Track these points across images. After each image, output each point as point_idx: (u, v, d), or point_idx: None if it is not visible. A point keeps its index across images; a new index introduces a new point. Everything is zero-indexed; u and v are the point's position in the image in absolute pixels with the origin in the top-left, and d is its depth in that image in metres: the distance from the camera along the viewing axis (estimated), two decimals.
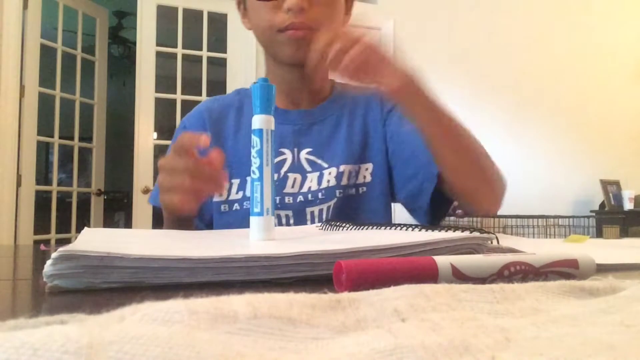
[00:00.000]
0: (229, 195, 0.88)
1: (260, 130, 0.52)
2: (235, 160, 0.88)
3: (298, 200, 0.87)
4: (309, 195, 0.87)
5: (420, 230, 0.49)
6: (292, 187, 0.87)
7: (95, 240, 0.46)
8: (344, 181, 0.88)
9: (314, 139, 0.90)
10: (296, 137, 0.90)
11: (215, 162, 0.62)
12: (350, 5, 0.91)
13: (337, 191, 0.87)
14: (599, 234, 3.52)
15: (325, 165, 0.89)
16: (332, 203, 0.87)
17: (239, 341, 0.18)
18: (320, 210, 0.87)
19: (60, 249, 0.33)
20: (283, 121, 0.89)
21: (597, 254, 0.41)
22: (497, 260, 0.34)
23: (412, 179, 0.85)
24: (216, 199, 0.88)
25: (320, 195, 0.87)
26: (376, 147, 0.91)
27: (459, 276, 0.33)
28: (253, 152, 0.52)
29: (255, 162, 0.52)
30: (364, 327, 0.21)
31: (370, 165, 0.90)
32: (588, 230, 3.56)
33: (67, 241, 3.46)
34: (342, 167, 0.88)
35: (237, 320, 0.20)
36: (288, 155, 0.89)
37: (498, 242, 0.49)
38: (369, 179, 0.90)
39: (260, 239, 0.50)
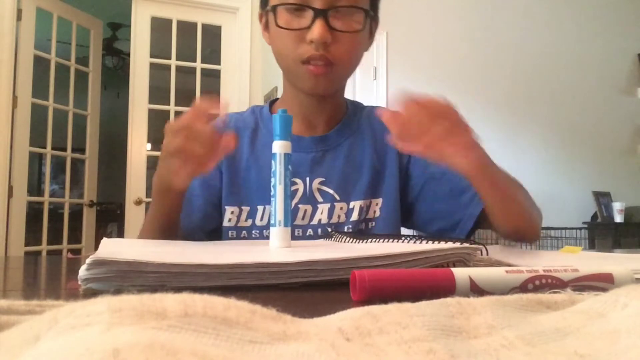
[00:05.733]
0: (237, 221, 0.86)
1: (275, 155, 0.61)
2: (246, 187, 0.87)
3: (307, 233, 0.86)
4: (319, 230, 0.86)
5: (415, 242, 0.53)
6: (303, 219, 0.86)
7: (121, 248, 0.51)
8: (354, 217, 0.87)
9: (327, 168, 0.89)
10: (309, 166, 0.89)
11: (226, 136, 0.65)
12: (374, 30, 0.90)
13: (346, 227, 0.87)
14: (591, 245, 3.53)
15: (337, 197, 0.87)
16: None
17: (167, 337, 0.17)
18: None
19: (92, 255, 0.37)
20: (296, 149, 0.88)
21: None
22: (516, 275, 0.33)
23: (447, 216, 0.88)
24: (225, 223, 0.86)
25: (329, 230, 0.85)
26: (388, 182, 0.90)
27: (476, 290, 0.32)
28: (272, 172, 0.61)
29: (272, 181, 0.61)
30: (305, 338, 0.20)
31: (380, 200, 0.89)
32: (580, 242, 3.57)
33: (59, 252, 3.43)
34: (352, 204, 0.87)
35: (165, 317, 0.19)
36: (300, 185, 0.87)
37: (487, 254, 0.51)
38: (378, 213, 0.89)
39: (276, 246, 0.59)
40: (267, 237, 0.83)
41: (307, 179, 0.88)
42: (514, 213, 0.77)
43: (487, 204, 0.76)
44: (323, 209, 0.87)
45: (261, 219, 0.85)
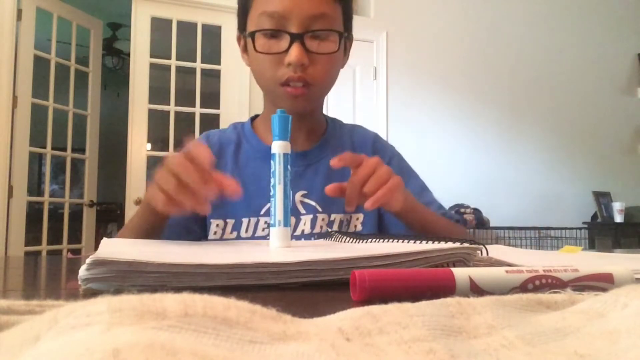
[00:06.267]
0: (222, 234, 0.88)
1: (274, 155, 0.61)
2: (230, 201, 0.89)
3: None
4: (302, 240, 0.88)
5: (415, 242, 0.53)
6: None
7: (121, 248, 0.51)
8: (335, 228, 0.90)
9: (309, 181, 0.92)
10: (292, 179, 0.91)
11: (227, 187, 0.61)
12: (348, 48, 0.93)
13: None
14: (591, 245, 3.53)
15: (319, 209, 0.90)
16: None
17: (167, 337, 0.17)
18: None
19: (92, 256, 0.37)
20: None
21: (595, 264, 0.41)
22: (516, 275, 0.33)
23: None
24: (211, 236, 0.88)
25: (312, 239, 0.88)
26: None
27: (476, 290, 0.32)
28: (272, 172, 0.61)
29: (272, 181, 0.61)
30: (305, 338, 0.20)
31: (361, 216, 0.92)
32: (580, 242, 3.57)
33: (59, 252, 3.43)
34: (333, 216, 0.90)
35: (165, 317, 0.19)
36: None
37: (487, 254, 0.51)
38: (360, 228, 0.92)
39: (276, 246, 0.58)
40: None
41: (291, 192, 0.90)
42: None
43: (410, 228, 0.85)
44: (306, 220, 0.89)
45: (246, 231, 0.87)
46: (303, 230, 0.89)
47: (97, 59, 3.84)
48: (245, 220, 0.88)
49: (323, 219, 0.90)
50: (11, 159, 2.99)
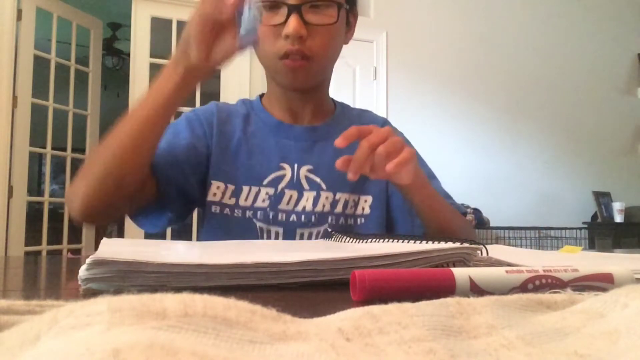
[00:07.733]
0: (222, 197, 0.87)
1: None
2: (234, 166, 0.88)
3: (291, 219, 0.87)
4: (302, 217, 0.87)
5: (415, 242, 0.52)
6: (287, 204, 0.87)
7: (121, 248, 0.51)
8: (338, 209, 0.89)
9: (316, 157, 0.91)
10: (299, 153, 0.91)
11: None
12: (352, 23, 0.92)
13: (330, 217, 0.88)
14: (591, 245, 3.53)
15: (324, 186, 0.89)
16: (322, 229, 0.88)
17: (167, 337, 0.17)
18: (310, 234, 0.87)
19: (92, 256, 0.37)
20: (287, 136, 0.91)
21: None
22: (516, 275, 0.33)
23: (406, 217, 0.92)
24: (210, 197, 0.87)
25: (313, 218, 0.87)
26: (376, 181, 0.90)
27: (476, 290, 0.32)
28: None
29: None
30: (305, 337, 0.20)
31: (369, 198, 0.91)
32: (580, 242, 3.57)
33: (59, 252, 3.43)
34: (338, 195, 0.89)
35: (165, 317, 0.19)
36: (288, 171, 0.89)
37: (487, 254, 0.51)
38: (367, 211, 0.91)
39: None
40: (250, 218, 0.86)
41: (296, 165, 0.90)
42: (441, 225, 0.83)
43: (419, 213, 0.82)
44: (309, 197, 0.88)
45: (245, 200, 0.87)
46: (304, 207, 0.87)
47: (97, 59, 3.84)
48: (246, 188, 0.87)
49: (327, 197, 0.88)
50: (11, 159, 2.99)
